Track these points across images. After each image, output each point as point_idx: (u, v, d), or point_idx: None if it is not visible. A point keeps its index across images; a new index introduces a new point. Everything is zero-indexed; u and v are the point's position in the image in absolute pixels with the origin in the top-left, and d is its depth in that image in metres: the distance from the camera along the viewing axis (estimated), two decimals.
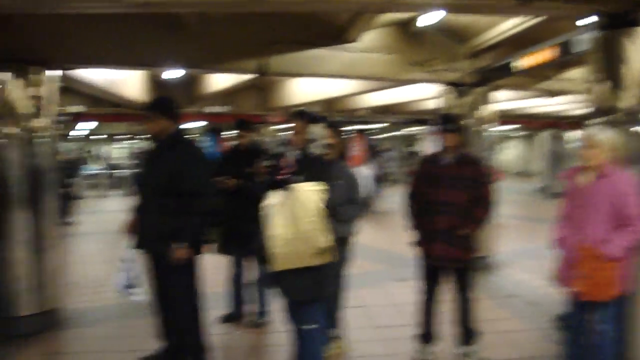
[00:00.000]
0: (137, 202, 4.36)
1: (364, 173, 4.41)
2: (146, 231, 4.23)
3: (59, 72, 5.80)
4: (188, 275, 4.31)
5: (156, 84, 11.97)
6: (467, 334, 4.63)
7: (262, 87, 14.74)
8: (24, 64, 5.38)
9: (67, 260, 7.53)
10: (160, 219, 4.12)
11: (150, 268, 4.37)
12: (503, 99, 12.65)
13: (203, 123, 17.54)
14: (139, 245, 4.31)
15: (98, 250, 10.23)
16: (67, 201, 12.83)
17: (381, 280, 7.31)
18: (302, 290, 3.42)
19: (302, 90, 12.69)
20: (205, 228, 4.37)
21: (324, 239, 3.29)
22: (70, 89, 11.31)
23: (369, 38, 7.04)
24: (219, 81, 11.80)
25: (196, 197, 4.10)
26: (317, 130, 3.53)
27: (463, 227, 4.35)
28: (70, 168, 13.63)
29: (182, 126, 4.47)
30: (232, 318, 5.60)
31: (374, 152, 16.77)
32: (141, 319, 4.81)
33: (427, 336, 4.71)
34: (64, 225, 12.54)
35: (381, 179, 13.81)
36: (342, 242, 4.18)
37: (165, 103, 4.39)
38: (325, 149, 3.59)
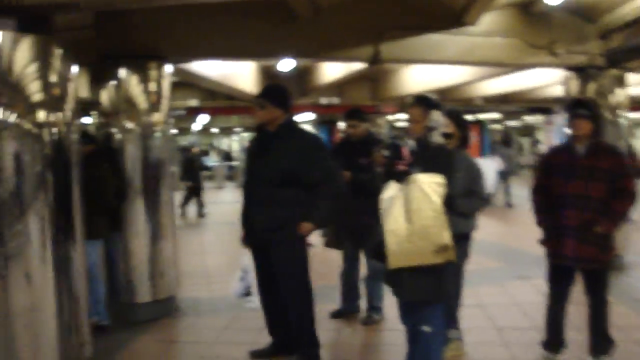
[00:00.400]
0: (247, 194, 4.29)
1: (488, 164, 4.08)
2: (259, 222, 4.15)
3: (172, 67, 5.88)
4: (301, 268, 4.21)
5: (269, 76, 12.08)
6: (601, 342, 4.17)
7: (374, 78, 14.53)
8: (140, 60, 5.51)
9: (183, 250, 7.73)
10: (276, 209, 4.04)
11: (261, 261, 4.29)
12: (634, 83, 11.65)
13: (314, 115, 17.61)
14: (250, 239, 4.24)
15: (213, 241, 10.50)
16: (195, 193, 13.29)
17: (501, 278, 6.88)
18: (420, 290, 3.17)
19: (414, 79, 12.34)
20: (334, 212, 4.26)
21: (445, 236, 3.02)
22: (186, 83, 11.67)
23: (488, 21, 6.61)
24: (330, 72, 11.71)
25: (325, 184, 4.05)
26: (438, 118, 3.26)
27: (599, 223, 3.91)
28: (197, 161, 14.08)
29: (294, 117, 4.37)
30: (344, 314, 5.44)
31: (502, 142, 16.02)
32: (253, 312, 4.76)
33: (554, 343, 4.30)
34: (199, 217, 13.08)
35: (506, 171, 13.11)
36: (462, 238, 3.88)
37: (279, 91, 4.29)
38: (445, 138, 3.32)
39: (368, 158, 4.85)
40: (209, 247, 9.81)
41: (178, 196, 15.87)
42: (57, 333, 3.66)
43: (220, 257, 8.65)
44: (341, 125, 13.22)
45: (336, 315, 5.43)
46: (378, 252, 3.17)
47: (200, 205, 13.35)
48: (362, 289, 5.41)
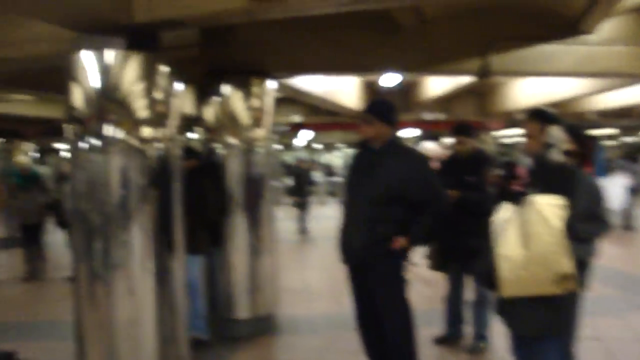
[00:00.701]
0: (348, 211, 4.13)
1: (614, 183, 3.72)
2: (358, 240, 3.98)
3: (276, 83, 5.88)
4: (398, 287, 3.99)
5: (372, 91, 11.98)
6: None
7: (480, 92, 14.08)
8: (243, 75, 5.53)
9: (284, 266, 7.67)
10: (376, 227, 3.86)
11: (358, 281, 4.11)
12: None
13: (418, 131, 17.32)
14: (347, 258, 4.09)
15: (314, 257, 10.45)
16: (302, 208, 13.25)
17: (622, 309, 6.28)
18: (535, 323, 2.88)
19: (523, 92, 11.83)
20: (432, 232, 4.07)
21: (567, 264, 2.73)
22: (290, 99, 11.80)
23: (608, 28, 6.10)
24: (435, 87, 11.45)
25: (430, 204, 3.86)
26: (557, 133, 2.97)
27: None
28: (305, 176, 14.05)
29: (399, 133, 4.20)
30: (447, 340, 5.15)
31: (628, 156, 14.91)
32: (353, 333, 4.60)
33: None
34: (301, 232, 13.01)
35: (637, 188, 12.01)
36: (581, 266, 3.53)
37: (386, 107, 4.12)
38: (566, 156, 3.01)
39: (475, 176, 4.59)
40: (310, 263, 9.77)
41: (280, 211, 16.03)
42: (156, 345, 3.70)
43: (321, 274, 8.55)
44: (445, 141, 12.74)
45: (439, 341, 5.16)
46: (488, 278, 2.91)
47: (305, 221, 13.27)
48: (468, 314, 5.11)
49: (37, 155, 15.80)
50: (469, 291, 4.99)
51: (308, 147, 28.49)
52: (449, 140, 5.73)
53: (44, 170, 17.12)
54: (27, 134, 13.13)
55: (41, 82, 6.55)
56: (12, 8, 3.57)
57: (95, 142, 3.56)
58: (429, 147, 6.18)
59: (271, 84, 5.77)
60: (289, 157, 27.98)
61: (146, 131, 3.64)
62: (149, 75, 3.65)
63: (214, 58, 5.51)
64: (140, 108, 3.61)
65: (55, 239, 9.41)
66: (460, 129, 5.01)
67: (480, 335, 4.97)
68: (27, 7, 3.37)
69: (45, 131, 13.02)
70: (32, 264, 8.82)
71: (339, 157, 31.56)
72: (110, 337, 3.62)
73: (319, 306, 6.54)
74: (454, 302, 5.11)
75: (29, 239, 8.79)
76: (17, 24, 4.07)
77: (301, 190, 13.33)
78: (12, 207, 9.18)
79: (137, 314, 3.65)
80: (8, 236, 11.23)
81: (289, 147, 27.09)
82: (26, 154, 12.96)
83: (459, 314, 5.14)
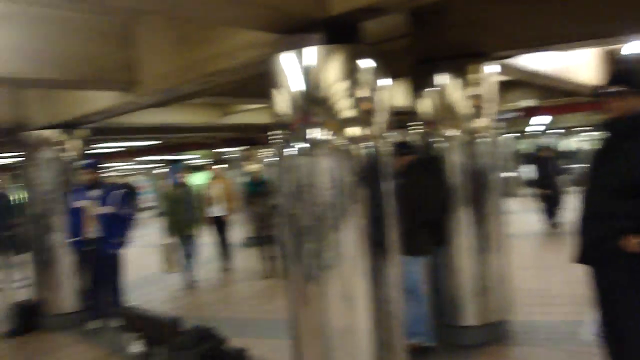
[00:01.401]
0: (584, 203, 3.49)
1: None
2: (587, 238, 3.38)
3: (497, 66, 5.34)
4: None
5: (614, 62, 10.60)
6: None
7: None
8: (459, 61, 5.11)
9: (520, 266, 6.98)
10: (609, 223, 3.22)
11: (597, 286, 3.45)
12: None
13: None
14: (579, 258, 3.47)
15: (556, 255, 9.44)
16: (551, 201, 12.10)
17: None
18: None
19: None
20: None
21: None
22: (520, 82, 10.95)
23: None
24: None
25: None
26: None
27: None
28: (552, 164, 12.77)
29: None
30: None
31: None
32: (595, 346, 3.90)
33: None
34: (553, 228, 11.86)
35: None
36: None
37: (634, 74, 3.40)
38: None
39: None
40: (550, 262, 8.81)
41: (519, 204, 14.96)
42: (373, 351, 3.53)
43: (563, 274, 7.62)
44: None
45: None
46: None
47: (552, 215, 12.01)
48: None
49: (273, 160, 16.97)
50: None
51: (545, 133, 26.64)
52: None
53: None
54: (262, 141, 14.07)
55: (257, 90, 6.82)
56: (218, 20, 3.65)
57: (302, 145, 3.47)
58: None
59: (492, 67, 5.26)
60: (526, 145, 26.39)
61: (353, 130, 3.48)
62: (352, 71, 3.47)
63: (425, 46, 5.18)
64: (345, 107, 3.45)
65: None
66: None
67: None
68: (229, 17, 3.39)
69: None
70: (269, 263, 9.45)
71: (581, 143, 29.01)
72: (325, 339, 3.54)
73: (559, 312, 5.83)
74: None
75: (265, 239, 9.41)
76: (225, 35, 4.19)
77: (547, 180, 12.12)
78: (252, 210, 9.91)
79: (351, 316, 3.52)
80: (250, 237, 12.20)
81: (524, 134, 25.52)
82: (259, 161, 13.87)
83: None
